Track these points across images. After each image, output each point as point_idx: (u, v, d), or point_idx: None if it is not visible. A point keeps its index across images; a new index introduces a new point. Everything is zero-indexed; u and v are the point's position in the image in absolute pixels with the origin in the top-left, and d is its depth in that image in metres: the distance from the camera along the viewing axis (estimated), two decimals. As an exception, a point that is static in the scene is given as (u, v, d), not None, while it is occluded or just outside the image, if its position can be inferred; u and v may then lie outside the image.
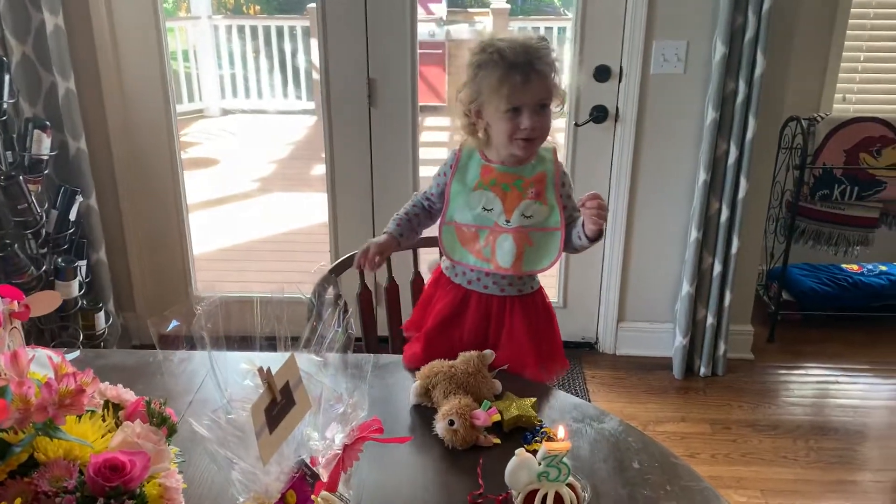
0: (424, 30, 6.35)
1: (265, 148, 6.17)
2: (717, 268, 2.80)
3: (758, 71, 2.55)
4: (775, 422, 2.67)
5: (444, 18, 7.09)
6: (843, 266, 3.37)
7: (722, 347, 2.91)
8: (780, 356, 3.10)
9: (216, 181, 5.39)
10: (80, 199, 2.64)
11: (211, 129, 6.70)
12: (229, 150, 6.19)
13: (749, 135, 2.62)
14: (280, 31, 6.88)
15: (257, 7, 8.01)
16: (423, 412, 1.36)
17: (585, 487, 1.12)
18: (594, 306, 3.09)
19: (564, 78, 1.53)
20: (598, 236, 1.54)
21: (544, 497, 1.07)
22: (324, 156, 2.90)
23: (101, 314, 2.75)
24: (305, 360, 0.95)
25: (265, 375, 0.82)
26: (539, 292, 1.65)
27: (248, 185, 5.31)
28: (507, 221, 1.54)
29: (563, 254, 1.61)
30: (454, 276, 1.64)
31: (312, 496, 0.89)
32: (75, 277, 2.61)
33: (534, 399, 1.37)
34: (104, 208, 2.83)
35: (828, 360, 3.08)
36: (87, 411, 0.93)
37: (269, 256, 4.17)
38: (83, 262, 2.71)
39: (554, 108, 1.51)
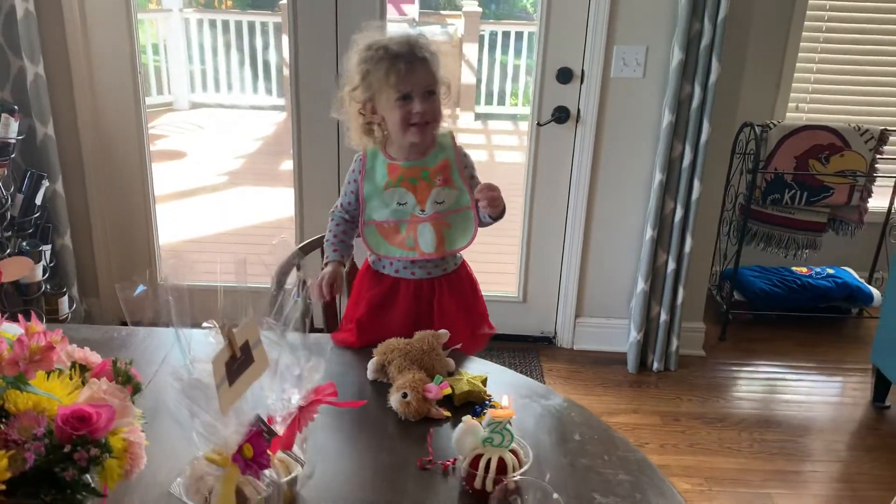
0: (397, 30, 6.42)
1: (234, 142, 6.17)
2: (671, 265, 2.90)
3: (713, 77, 2.66)
4: (723, 415, 2.78)
5: (417, 20, 7.17)
6: (793, 269, 3.51)
7: (675, 343, 3.02)
8: (730, 353, 3.22)
9: (184, 174, 5.39)
10: (46, 183, 2.66)
11: (180, 122, 6.68)
12: (197, 143, 6.19)
13: (703, 138, 2.73)
14: (252, 26, 6.88)
15: (229, 2, 8.00)
16: (379, 387, 1.43)
17: (528, 454, 1.19)
18: (553, 301, 3.18)
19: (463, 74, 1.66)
20: (499, 215, 1.66)
21: (488, 462, 1.14)
22: (291, 151, 2.95)
23: (65, 299, 2.77)
24: (266, 327, 1.01)
25: (226, 331, 0.88)
26: (462, 266, 1.77)
27: (216, 178, 5.32)
28: (423, 211, 1.65)
29: (479, 232, 1.69)
30: (381, 268, 1.73)
31: (269, 451, 0.95)
32: (39, 261, 2.62)
33: (485, 376, 1.44)
34: (70, 194, 2.85)
35: (776, 358, 3.21)
36: (56, 369, 0.98)
37: (236, 249, 4.19)
38: (48, 247, 2.72)
39: (441, 94, 1.62)
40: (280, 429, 0.99)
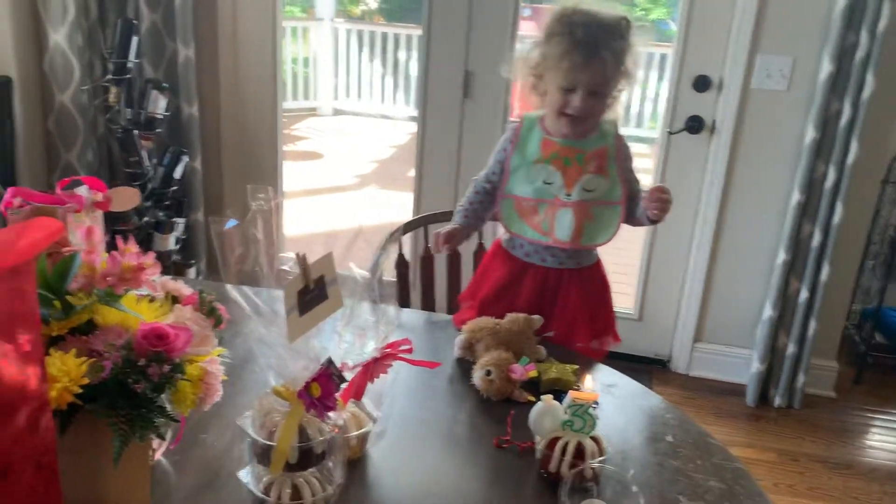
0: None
1: (369, 148, 6.36)
2: (804, 294, 2.69)
3: (866, 93, 2.45)
4: (850, 462, 2.53)
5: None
6: (948, 314, 3.16)
7: (801, 379, 2.79)
8: (865, 398, 2.93)
9: (318, 174, 5.61)
10: (185, 160, 2.82)
11: (321, 126, 6.97)
12: (334, 147, 6.43)
13: (850, 159, 2.52)
14: (397, 38, 7.10)
15: (378, 16, 8.29)
16: (465, 365, 1.39)
17: (610, 445, 1.11)
18: (670, 323, 3.03)
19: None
20: (657, 221, 1.55)
21: (566, 445, 1.07)
22: (415, 158, 2.98)
23: (193, 271, 2.92)
24: (355, 272, 1.00)
25: (301, 261, 0.87)
26: (597, 265, 1.66)
27: (346, 179, 5.50)
28: (568, 195, 1.56)
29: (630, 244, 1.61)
30: (512, 248, 1.66)
31: (337, 396, 0.94)
32: (172, 232, 2.78)
33: (576, 367, 1.37)
34: (206, 172, 3.01)
35: (919, 410, 2.90)
36: (148, 295, 1.01)
37: (344, 246, 4.28)
38: (181, 220, 2.89)
39: (613, 94, 1.54)
40: (350, 376, 0.97)
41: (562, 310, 1.59)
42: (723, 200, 2.77)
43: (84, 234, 0.97)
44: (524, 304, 1.60)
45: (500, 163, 1.64)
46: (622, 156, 1.58)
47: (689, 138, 2.76)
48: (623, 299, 3.14)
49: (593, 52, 1.47)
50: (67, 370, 0.85)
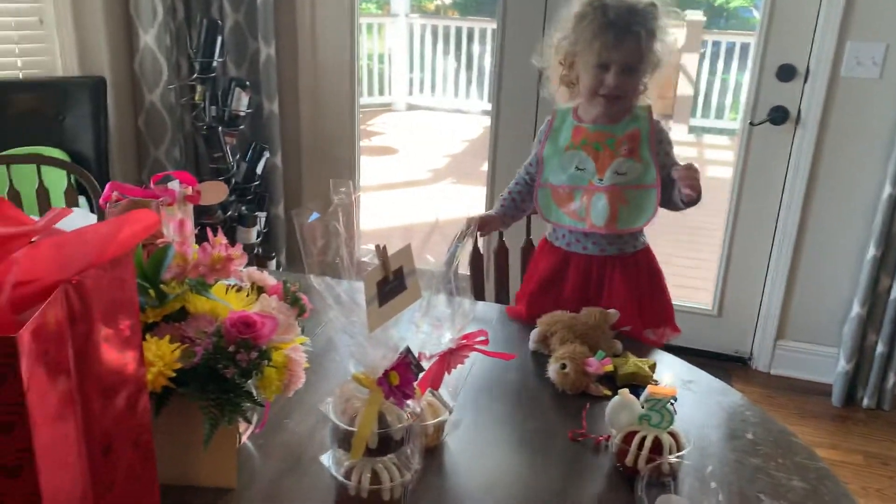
0: None
1: (443, 143, 6.40)
2: (896, 292, 2.57)
3: (966, 79, 2.32)
4: (946, 467, 2.41)
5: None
6: None
7: (892, 380, 2.67)
8: (963, 402, 2.78)
9: (392, 169, 5.68)
10: (267, 155, 2.91)
11: (395, 121, 7.05)
12: (409, 142, 6.49)
13: (948, 149, 2.40)
14: (471, 32, 7.11)
15: (452, 11, 8.33)
16: (540, 358, 1.39)
17: (688, 441, 1.10)
18: (751, 319, 2.94)
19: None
20: (692, 202, 1.54)
21: (643, 440, 1.07)
22: (487, 152, 2.98)
23: (273, 263, 3.02)
24: (431, 264, 1.02)
25: (381, 252, 0.90)
26: (644, 252, 1.65)
27: (421, 174, 5.55)
28: (601, 180, 1.56)
29: (675, 235, 1.57)
30: (555, 240, 1.68)
31: (415, 385, 0.96)
32: (255, 226, 2.88)
33: (653, 361, 1.36)
34: (286, 167, 3.10)
35: None
36: (234, 284, 1.06)
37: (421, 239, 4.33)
38: (263, 214, 2.98)
39: (645, 76, 1.54)
40: (427, 365, 0.99)
41: (608, 298, 1.58)
42: (808, 193, 2.68)
43: (177, 226, 1.02)
44: (570, 294, 1.61)
45: (536, 154, 1.66)
46: (656, 139, 1.57)
47: (772, 129, 2.67)
48: (699, 294, 3.08)
49: (625, 30, 1.49)
50: (162, 355, 0.90)
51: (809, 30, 2.56)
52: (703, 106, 6.44)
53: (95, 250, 0.70)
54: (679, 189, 1.53)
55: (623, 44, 1.50)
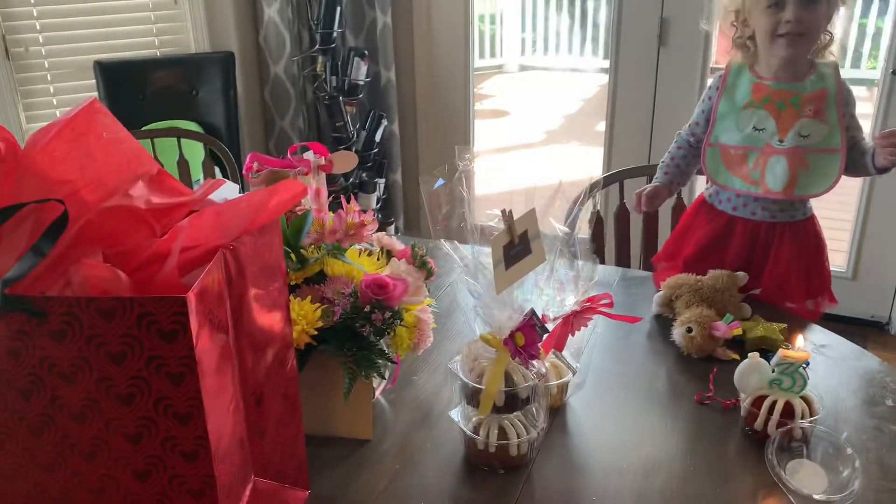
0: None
1: (556, 103, 6.31)
2: None
3: None
4: None
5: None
6: None
7: None
8: None
9: (505, 131, 5.66)
10: (385, 123, 2.98)
11: (507, 83, 7.00)
12: (521, 103, 6.44)
13: None
14: (586, -14, 6.92)
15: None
16: (663, 322, 1.38)
17: (822, 406, 1.07)
18: (890, 282, 2.77)
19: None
20: (885, 170, 1.42)
21: (773, 404, 1.05)
22: (605, 111, 2.92)
23: (391, 229, 3.10)
24: (556, 228, 1.03)
25: (507, 216, 0.92)
26: (811, 220, 1.55)
27: (535, 136, 5.50)
28: (781, 141, 1.45)
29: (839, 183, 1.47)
30: (718, 202, 1.58)
31: (540, 346, 0.98)
32: (374, 192, 2.97)
33: (783, 325, 1.32)
34: (404, 135, 3.16)
35: None
36: (366, 248, 1.11)
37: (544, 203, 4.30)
38: (382, 181, 3.07)
39: (829, 6, 1.40)
40: (552, 327, 1.01)
41: (773, 267, 1.51)
42: (958, 147, 2.47)
43: (314, 194, 1.08)
44: (732, 261, 1.53)
45: (704, 112, 1.56)
46: (843, 100, 1.45)
47: (919, 78, 2.48)
48: (833, 256, 2.91)
49: None
50: (305, 314, 0.96)
51: (963, -33, 2.34)
52: (839, 54, 6.03)
53: (249, 218, 0.76)
54: (874, 154, 1.42)
55: None
